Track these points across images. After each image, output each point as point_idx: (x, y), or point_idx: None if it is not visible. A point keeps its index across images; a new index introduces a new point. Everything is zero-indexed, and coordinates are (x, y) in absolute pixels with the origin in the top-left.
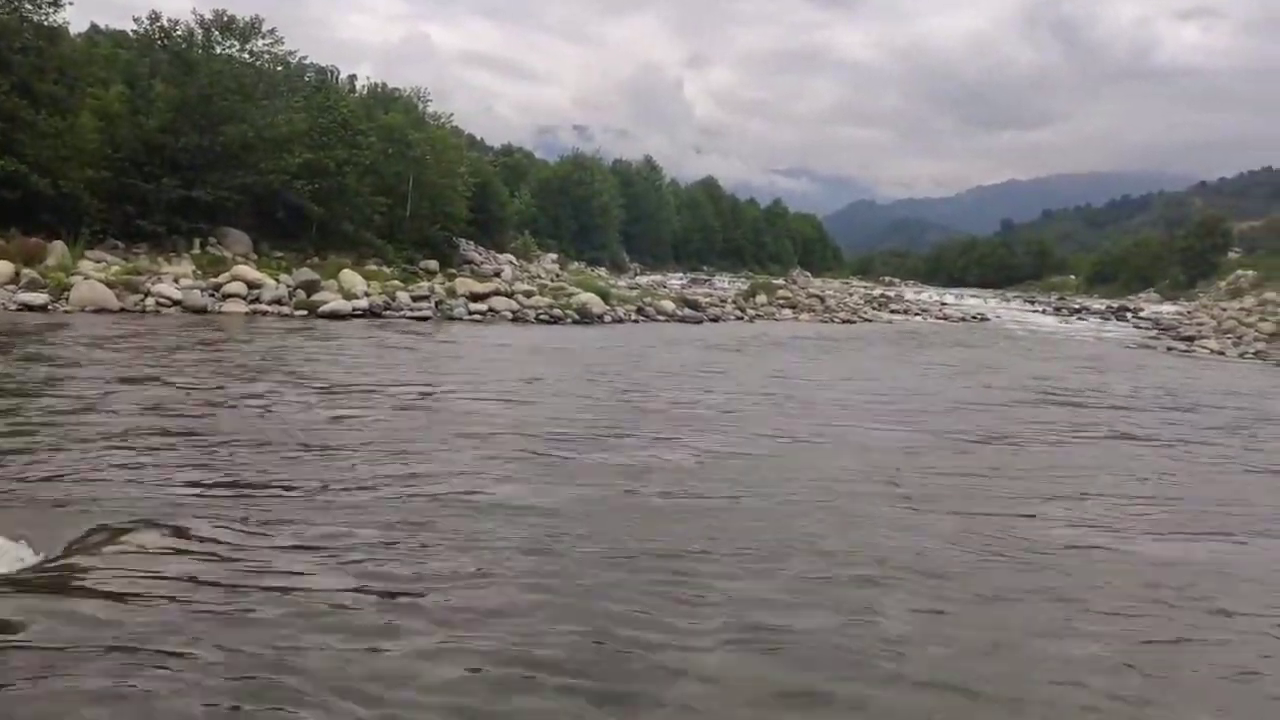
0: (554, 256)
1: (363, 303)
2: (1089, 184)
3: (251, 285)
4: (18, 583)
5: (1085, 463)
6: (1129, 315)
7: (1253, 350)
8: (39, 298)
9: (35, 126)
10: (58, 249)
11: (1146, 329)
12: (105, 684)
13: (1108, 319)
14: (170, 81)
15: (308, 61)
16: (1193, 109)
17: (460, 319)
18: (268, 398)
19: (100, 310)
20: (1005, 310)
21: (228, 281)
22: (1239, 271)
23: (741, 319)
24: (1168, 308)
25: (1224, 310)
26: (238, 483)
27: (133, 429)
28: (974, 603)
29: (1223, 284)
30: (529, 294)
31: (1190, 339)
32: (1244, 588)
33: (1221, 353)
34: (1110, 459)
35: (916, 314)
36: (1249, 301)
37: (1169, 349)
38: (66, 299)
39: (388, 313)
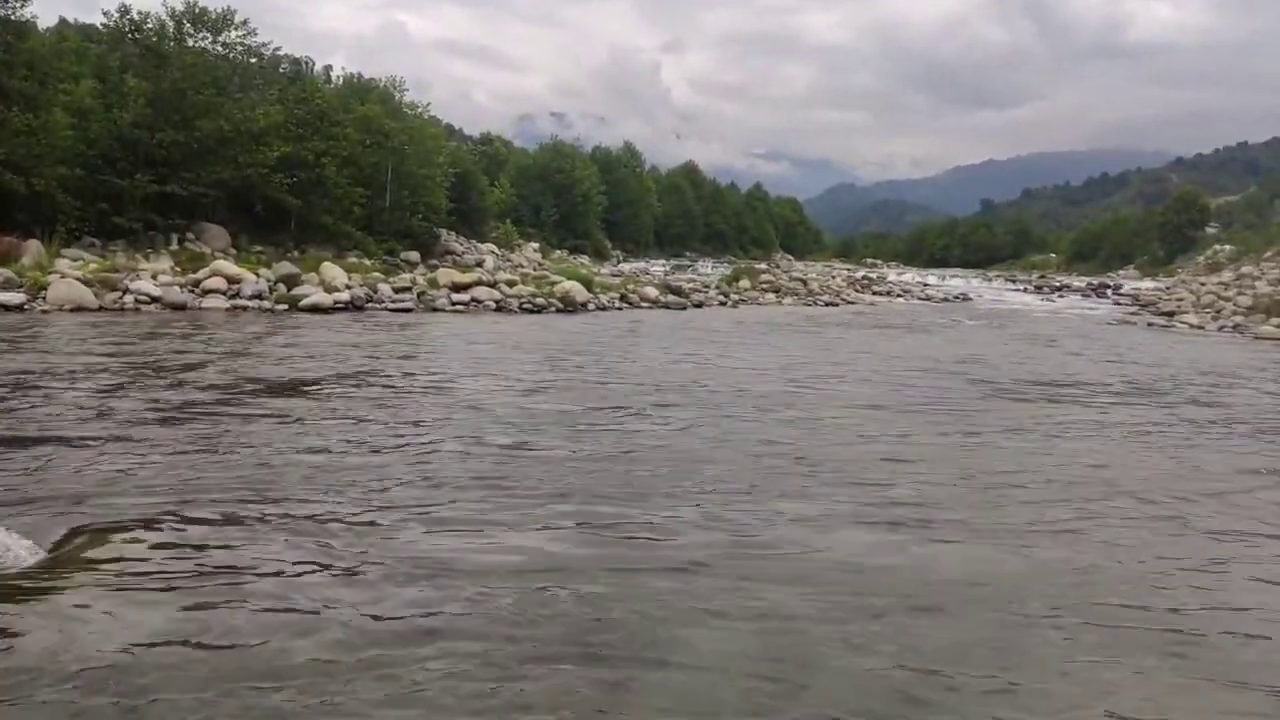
0: (536, 245)
1: (344, 295)
2: (1067, 162)
3: (231, 280)
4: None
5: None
6: (1109, 292)
7: (1231, 324)
8: (15, 297)
9: (6, 124)
10: (33, 248)
11: (1126, 305)
12: (93, 687)
13: (1088, 296)
14: (142, 75)
15: (282, 53)
16: (1168, 86)
17: (443, 310)
18: (252, 393)
19: (78, 309)
20: (987, 290)
21: (207, 277)
22: (1216, 246)
23: (725, 304)
24: (1147, 284)
25: (1202, 285)
26: (222, 481)
27: (112, 427)
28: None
29: (1201, 259)
30: (511, 283)
31: (1170, 314)
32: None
33: (1201, 327)
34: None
35: (899, 295)
36: (1227, 276)
37: (1149, 324)
38: (43, 298)
39: (370, 305)
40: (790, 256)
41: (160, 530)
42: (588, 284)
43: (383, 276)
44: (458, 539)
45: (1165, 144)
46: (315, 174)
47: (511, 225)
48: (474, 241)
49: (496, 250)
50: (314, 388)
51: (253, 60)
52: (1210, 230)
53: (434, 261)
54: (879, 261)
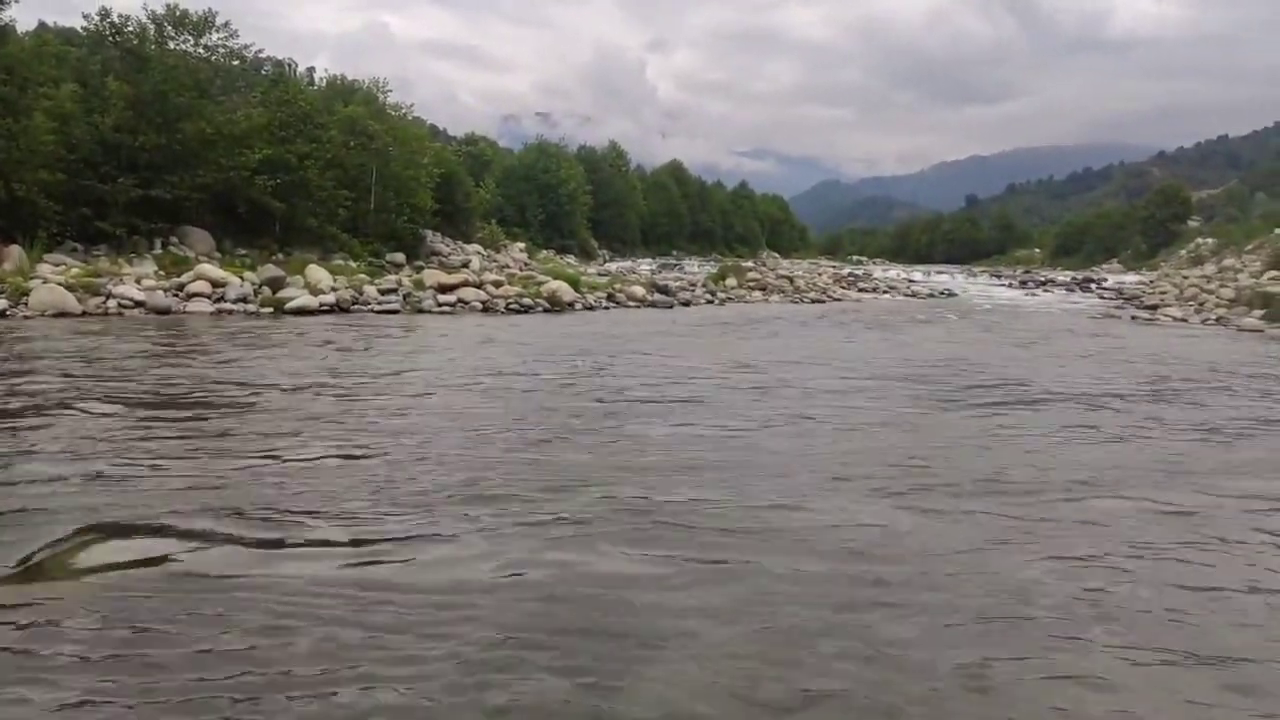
0: (522, 246)
1: (329, 298)
2: (1051, 157)
3: (216, 284)
4: None
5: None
6: (1093, 286)
7: (1214, 316)
8: None
9: None
10: (14, 254)
11: (1110, 299)
12: (73, 695)
13: (1073, 290)
14: (123, 79)
15: (264, 55)
16: (1150, 80)
17: (429, 311)
18: (236, 397)
19: (61, 314)
20: (972, 285)
21: (191, 281)
22: (1199, 240)
23: (712, 302)
24: (1131, 277)
25: (1185, 278)
26: (207, 486)
27: (94, 432)
28: None
29: (1184, 252)
30: (498, 284)
31: (1153, 308)
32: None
33: (1184, 320)
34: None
35: (885, 291)
36: (1209, 269)
37: (1133, 318)
38: (25, 304)
39: (355, 307)
40: (777, 254)
41: (131, 535)
42: (574, 283)
43: (368, 278)
44: (436, 548)
45: (1149, 138)
46: (299, 176)
47: (497, 226)
48: (460, 242)
49: (483, 251)
50: (295, 392)
51: (235, 62)
52: (1192, 224)
53: (420, 263)
54: (865, 258)
